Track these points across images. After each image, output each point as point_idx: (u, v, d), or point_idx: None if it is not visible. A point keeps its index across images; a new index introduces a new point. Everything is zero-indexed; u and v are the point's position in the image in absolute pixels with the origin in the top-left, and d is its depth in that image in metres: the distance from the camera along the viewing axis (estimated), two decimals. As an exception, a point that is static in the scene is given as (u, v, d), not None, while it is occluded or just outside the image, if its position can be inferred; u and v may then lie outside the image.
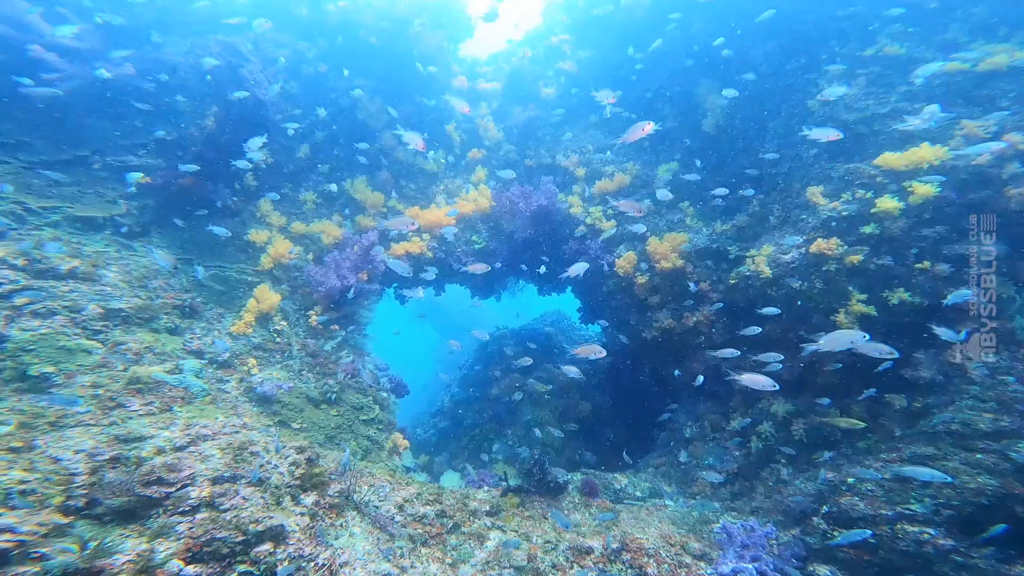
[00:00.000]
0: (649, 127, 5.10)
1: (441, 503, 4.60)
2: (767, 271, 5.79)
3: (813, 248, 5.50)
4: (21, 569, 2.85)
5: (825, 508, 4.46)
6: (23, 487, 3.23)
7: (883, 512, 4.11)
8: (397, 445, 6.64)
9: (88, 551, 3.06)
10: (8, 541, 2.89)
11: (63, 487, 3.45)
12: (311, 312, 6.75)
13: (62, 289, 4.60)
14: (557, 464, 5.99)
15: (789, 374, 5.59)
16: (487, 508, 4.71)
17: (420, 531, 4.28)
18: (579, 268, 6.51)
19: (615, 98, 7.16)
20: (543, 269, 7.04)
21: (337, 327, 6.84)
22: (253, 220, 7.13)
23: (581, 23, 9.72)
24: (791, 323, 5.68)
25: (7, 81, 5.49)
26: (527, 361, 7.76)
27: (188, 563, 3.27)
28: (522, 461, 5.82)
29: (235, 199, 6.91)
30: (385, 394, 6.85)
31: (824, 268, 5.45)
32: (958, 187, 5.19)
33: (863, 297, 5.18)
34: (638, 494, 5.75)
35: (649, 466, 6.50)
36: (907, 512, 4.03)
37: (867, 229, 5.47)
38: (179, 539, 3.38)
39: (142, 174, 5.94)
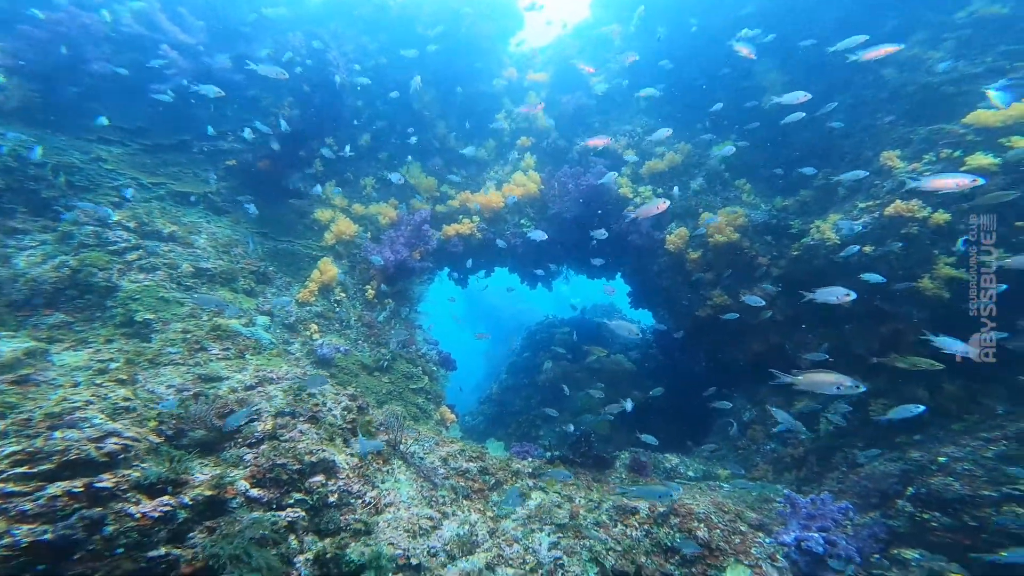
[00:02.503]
0: None
1: (484, 461, 4.65)
2: (833, 237, 5.35)
3: (889, 210, 5.02)
4: (126, 471, 3.28)
5: (911, 489, 4.00)
6: (127, 403, 3.71)
7: (985, 492, 3.63)
8: (444, 418, 6.80)
9: (174, 465, 3.46)
10: (116, 444, 3.34)
11: (157, 413, 3.91)
12: (368, 286, 7.16)
13: (163, 249, 5.28)
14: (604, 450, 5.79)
15: (865, 351, 5.10)
16: (530, 470, 4.70)
17: (463, 484, 4.34)
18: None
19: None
20: (603, 233, 6.91)
21: (391, 300, 7.19)
22: (319, 202, 7.74)
23: (629, 10, 9.66)
24: (865, 293, 5.20)
25: (139, 77, 6.42)
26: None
27: (253, 487, 3.58)
28: (569, 435, 5.74)
29: (303, 184, 7.56)
30: (434, 366, 7.07)
31: (903, 231, 4.94)
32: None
33: (951, 260, 4.63)
34: (690, 474, 5.44)
35: (704, 451, 6.14)
36: (1016, 493, 3.53)
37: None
38: (246, 467, 3.70)
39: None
